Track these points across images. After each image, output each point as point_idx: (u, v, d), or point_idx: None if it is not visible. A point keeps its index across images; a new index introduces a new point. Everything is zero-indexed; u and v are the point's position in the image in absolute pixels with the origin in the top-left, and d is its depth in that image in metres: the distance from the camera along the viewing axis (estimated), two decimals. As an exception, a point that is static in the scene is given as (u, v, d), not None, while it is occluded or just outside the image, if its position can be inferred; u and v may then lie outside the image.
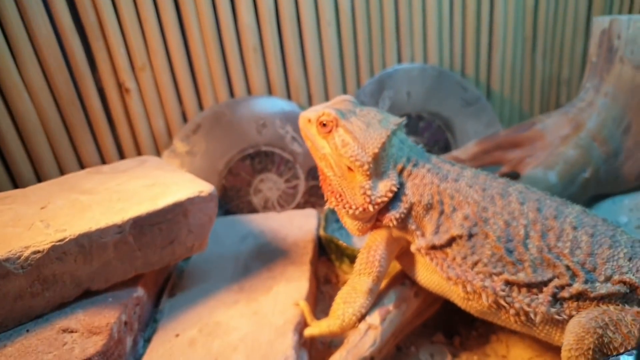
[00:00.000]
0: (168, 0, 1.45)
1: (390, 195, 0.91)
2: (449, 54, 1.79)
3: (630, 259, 0.82)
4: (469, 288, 0.89)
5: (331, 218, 1.46)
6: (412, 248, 0.96)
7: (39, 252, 0.86)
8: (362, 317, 0.97)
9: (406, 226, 0.95)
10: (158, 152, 1.59)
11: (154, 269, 1.03)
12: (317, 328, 0.98)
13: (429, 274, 0.98)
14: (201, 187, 1.07)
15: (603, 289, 0.81)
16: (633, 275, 0.81)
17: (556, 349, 1.02)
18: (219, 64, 1.57)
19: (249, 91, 1.64)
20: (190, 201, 1.04)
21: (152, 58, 1.50)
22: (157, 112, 1.55)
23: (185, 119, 1.60)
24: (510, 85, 1.89)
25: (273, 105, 1.61)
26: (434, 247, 0.93)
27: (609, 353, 0.77)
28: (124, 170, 1.16)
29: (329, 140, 0.93)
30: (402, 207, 0.93)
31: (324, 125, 0.93)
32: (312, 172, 1.59)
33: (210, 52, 1.55)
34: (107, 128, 1.50)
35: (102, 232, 0.93)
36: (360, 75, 1.73)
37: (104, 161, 1.53)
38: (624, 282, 0.81)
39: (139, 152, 1.56)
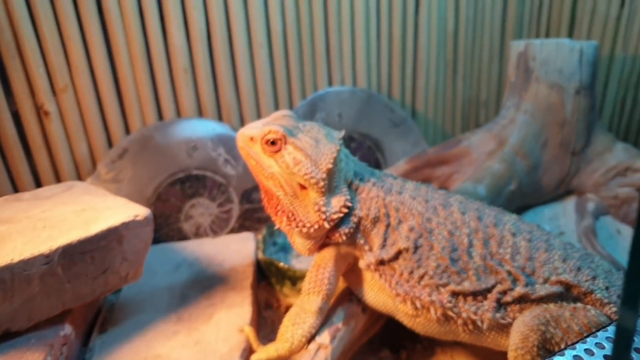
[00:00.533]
0: (93, 18, 1.38)
1: (345, 210, 0.91)
2: (377, 77, 1.84)
3: (564, 261, 0.88)
4: (418, 304, 0.90)
5: (269, 241, 1.43)
6: (362, 264, 0.96)
7: (-49, 289, 0.76)
8: (311, 338, 0.94)
9: (355, 241, 0.95)
10: (80, 180, 1.48)
11: (84, 302, 0.95)
12: (264, 353, 0.94)
13: (376, 293, 0.98)
14: (136, 211, 1.00)
15: (542, 290, 0.86)
16: (567, 275, 0.86)
17: (499, 355, 1.05)
18: (148, 85, 1.51)
19: (178, 113, 1.59)
20: (126, 226, 0.97)
21: (75, 78, 1.41)
22: (79, 136, 1.45)
23: (110, 143, 1.51)
24: (433, 107, 1.97)
25: (204, 127, 1.57)
26: (382, 262, 0.93)
27: (551, 348, 0.81)
28: (48, 197, 1.07)
29: (277, 158, 0.91)
30: (351, 222, 0.93)
31: (272, 143, 0.91)
32: (247, 195, 1.56)
33: (138, 73, 1.48)
34: (21, 155, 1.38)
35: (26, 264, 0.84)
36: (293, 97, 1.73)
37: (17, 191, 1.40)
38: (561, 282, 0.86)
39: (58, 180, 1.44)
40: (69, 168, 1.45)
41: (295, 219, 0.92)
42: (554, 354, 0.68)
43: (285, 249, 1.46)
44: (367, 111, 1.80)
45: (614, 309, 0.84)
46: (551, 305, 0.85)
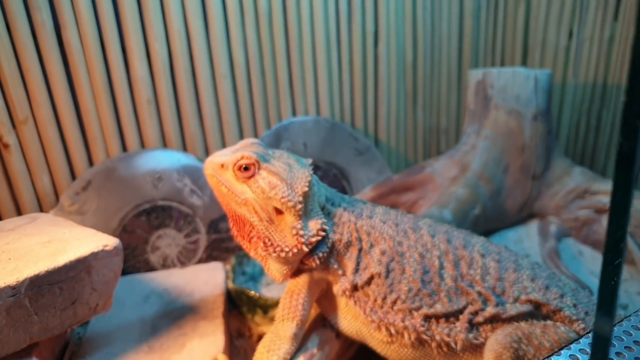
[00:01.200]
0: (53, 49, 1.37)
1: (323, 233, 0.92)
2: (340, 106, 1.90)
3: (532, 280, 0.91)
4: (392, 330, 0.92)
5: (238, 270, 1.42)
6: (337, 290, 0.97)
7: None
8: (287, 365, 0.94)
9: (328, 266, 0.96)
10: (43, 212, 1.44)
11: (52, 334, 0.92)
12: (239, 381, 0.94)
13: (350, 320, 0.99)
14: (105, 241, 0.99)
15: (513, 309, 0.88)
16: (537, 294, 0.90)
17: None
18: (111, 116, 1.50)
19: (142, 144, 1.58)
20: (95, 256, 0.95)
21: (35, 110, 1.38)
22: (41, 168, 1.42)
23: (73, 175, 1.49)
24: (395, 135, 2.04)
25: (169, 158, 1.56)
26: (356, 288, 0.94)
27: None
28: (11, 229, 1.04)
29: (250, 184, 0.91)
30: (325, 246, 0.94)
31: (245, 169, 0.91)
32: (214, 225, 1.55)
33: (101, 104, 1.48)
34: (-20, 187, 1.34)
35: (-10, 297, 0.82)
36: (257, 127, 1.76)
37: (-27, 225, 1.35)
38: (530, 301, 0.89)
39: (19, 213, 1.40)
40: (30, 201, 1.41)
41: (272, 244, 0.92)
42: None
43: (255, 278, 1.46)
44: (331, 140, 1.85)
45: (582, 326, 0.88)
46: (522, 324, 0.87)
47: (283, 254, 0.91)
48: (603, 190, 1.58)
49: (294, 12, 1.69)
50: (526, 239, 1.63)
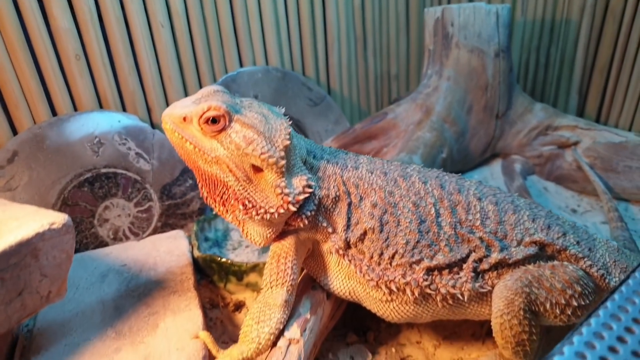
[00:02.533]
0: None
1: (309, 190, 0.82)
2: (289, 55, 1.77)
3: (533, 220, 0.86)
4: (393, 287, 0.84)
5: (200, 237, 1.30)
6: (327, 249, 0.88)
7: None
8: (279, 335, 0.85)
9: (316, 225, 0.86)
10: (-39, 191, 1.24)
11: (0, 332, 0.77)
12: (227, 358, 0.83)
13: (343, 280, 0.90)
14: (51, 219, 0.84)
15: (519, 253, 0.83)
16: (540, 234, 0.85)
17: (467, 324, 1.04)
18: (32, 76, 1.30)
19: (74, 107, 1.39)
20: (40, 237, 0.80)
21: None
22: (-46, 140, 1.21)
23: (-6, 147, 1.29)
24: (347, 84, 1.94)
25: (107, 119, 1.39)
26: (349, 246, 0.86)
27: (537, 309, 0.79)
28: None
29: (221, 139, 0.79)
30: (312, 204, 0.84)
31: (214, 122, 0.79)
32: (166, 191, 1.41)
33: (18, 63, 1.27)
34: None
35: None
36: (202, 81, 1.60)
37: None
38: (535, 242, 0.84)
39: None
40: (-54, 180, 1.20)
41: (254, 206, 0.81)
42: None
43: (219, 243, 1.35)
44: (283, 91, 1.72)
45: (589, 263, 0.84)
46: (530, 266, 0.83)
47: (267, 216, 0.81)
48: (565, 125, 1.58)
49: (237, -52, 1.53)
50: (491, 179, 1.61)
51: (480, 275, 0.84)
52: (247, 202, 0.81)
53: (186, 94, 1.57)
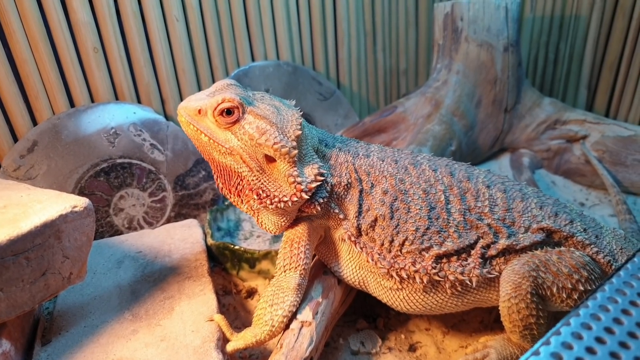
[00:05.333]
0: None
1: (321, 178, 0.84)
2: (300, 50, 1.79)
3: (541, 208, 0.88)
4: (403, 275, 0.86)
5: (213, 226, 1.33)
6: (339, 236, 0.90)
7: None
8: (292, 318, 0.87)
9: (328, 211, 0.89)
10: (-17, 179, 1.27)
11: (23, 311, 0.80)
12: (241, 341, 0.86)
13: (354, 269, 0.93)
14: (73, 202, 0.87)
15: (526, 240, 0.85)
16: (547, 221, 0.86)
17: (475, 311, 1.06)
18: (53, 68, 1.33)
19: (92, 98, 1.42)
20: (64, 219, 0.83)
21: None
22: (-25, 129, 1.24)
23: (14, 136, 1.32)
24: (357, 79, 1.96)
25: (124, 111, 1.42)
26: (360, 232, 0.88)
27: (544, 293, 0.81)
28: (-44, 195, 0.89)
29: (235, 130, 0.81)
30: (324, 191, 0.87)
31: (228, 113, 0.81)
32: (180, 181, 1.44)
33: (40, 55, 1.30)
34: None
35: (-55, 274, 0.69)
36: (215, 74, 1.63)
37: None
38: (542, 229, 0.86)
39: (-43, 180, 1.23)
40: (-33, 167, 1.24)
41: (268, 196, 0.84)
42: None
43: (231, 233, 1.38)
44: (294, 85, 1.75)
45: (595, 249, 0.86)
46: (537, 252, 0.84)
47: (281, 205, 0.84)
48: (573, 119, 1.59)
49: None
50: (499, 172, 1.62)
51: (488, 261, 0.85)
52: (261, 192, 0.84)
53: (199, 87, 1.60)
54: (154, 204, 1.42)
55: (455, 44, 1.54)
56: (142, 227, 1.39)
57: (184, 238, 1.22)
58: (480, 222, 0.86)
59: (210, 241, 1.21)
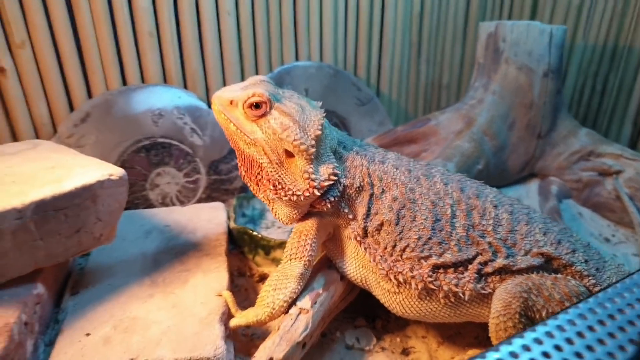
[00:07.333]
0: (54, -28, 1.29)
1: (334, 178, 0.89)
2: (343, 54, 1.84)
3: (544, 234, 0.90)
4: (400, 279, 0.90)
5: (238, 212, 1.40)
6: (347, 234, 0.95)
7: None
8: (292, 303, 0.93)
9: (338, 210, 0.94)
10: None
11: (57, 261, 0.90)
12: (243, 318, 0.93)
13: (358, 267, 0.98)
14: (111, 171, 0.96)
15: (523, 262, 0.87)
16: (548, 247, 0.88)
17: (471, 326, 1.09)
18: (111, 47, 1.44)
19: (143, 79, 1.53)
20: (100, 184, 0.93)
21: (33, 35, 1.32)
22: (38, 96, 1.37)
23: (71, 106, 1.43)
24: (397, 88, 2.00)
25: (170, 94, 1.52)
26: (366, 234, 0.93)
27: (533, 315, 0.82)
28: (14, 153, 1.00)
29: (261, 124, 0.88)
30: (336, 190, 0.92)
31: (256, 107, 0.88)
32: (214, 167, 1.52)
33: (101, 34, 1.41)
34: (-25, 111, 1.29)
35: (-5, 218, 0.79)
36: (259, 69, 1.71)
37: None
38: (542, 254, 0.88)
39: (15, 140, 1.36)
40: (26, 128, 1.37)
41: (282, 188, 0.90)
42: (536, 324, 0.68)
43: (254, 220, 1.45)
44: (334, 88, 1.80)
45: (593, 281, 0.87)
46: (533, 275, 0.86)
47: (294, 198, 0.89)
48: (609, 153, 1.58)
49: (304, -50, 1.62)
50: (526, 197, 1.63)
51: (483, 278, 0.88)
52: (277, 184, 0.90)
53: (242, 79, 1.68)
54: (187, 184, 1.51)
55: (495, 64, 1.56)
56: (173, 204, 1.49)
57: (209, 219, 1.30)
58: (482, 239, 0.89)
59: (232, 225, 1.29)
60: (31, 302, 0.84)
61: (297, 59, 1.77)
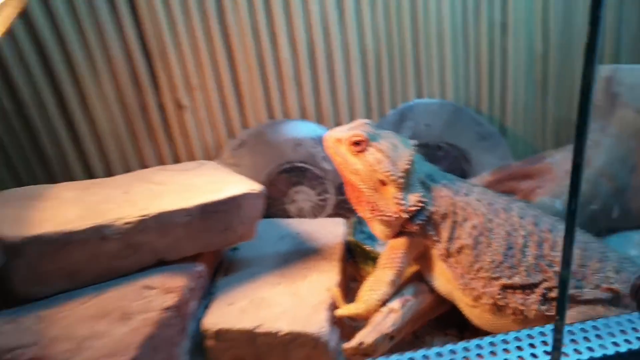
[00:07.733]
0: (218, 36, 1.68)
1: (421, 205, 1.08)
2: (465, 93, 1.96)
3: (617, 272, 0.98)
4: (475, 294, 1.05)
5: (358, 228, 1.64)
6: (434, 254, 1.13)
7: (129, 223, 1.07)
8: (384, 303, 1.14)
9: (426, 232, 1.12)
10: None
11: (211, 249, 1.24)
12: (346, 310, 1.16)
13: (443, 282, 1.14)
14: (253, 187, 1.28)
15: (590, 294, 0.96)
16: (620, 285, 0.96)
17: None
18: (261, 89, 1.78)
19: (285, 115, 1.86)
20: (244, 196, 1.24)
21: (204, 80, 1.72)
22: (207, 127, 1.77)
23: (230, 135, 1.82)
24: (522, 124, 2.04)
25: (307, 128, 1.82)
26: (449, 255, 1.09)
27: None
28: (187, 170, 1.38)
29: (360, 157, 1.11)
30: (424, 215, 1.10)
31: (357, 144, 1.11)
32: (340, 188, 1.77)
33: (254, 79, 1.76)
34: (164, 137, 1.74)
35: (174, 214, 1.14)
36: (383, 107, 1.91)
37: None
38: (612, 290, 0.95)
39: (192, 160, 1.77)
40: (199, 151, 1.79)
41: (377, 209, 1.12)
42: None
43: (372, 237, 1.63)
44: (454, 123, 1.92)
45: None
46: (599, 307, 0.94)
47: (386, 218, 1.11)
48: None
49: (421, 1, 1.80)
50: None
51: (548, 301, 0.99)
52: (373, 206, 1.13)
53: (368, 115, 1.92)
54: (318, 202, 1.79)
55: (612, 107, 1.55)
56: (305, 217, 1.78)
57: (331, 231, 1.56)
58: (550, 267, 1.00)
59: (349, 238, 1.53)
60: (195, 275, 1.18)
61: (418, 96, 1.95)
